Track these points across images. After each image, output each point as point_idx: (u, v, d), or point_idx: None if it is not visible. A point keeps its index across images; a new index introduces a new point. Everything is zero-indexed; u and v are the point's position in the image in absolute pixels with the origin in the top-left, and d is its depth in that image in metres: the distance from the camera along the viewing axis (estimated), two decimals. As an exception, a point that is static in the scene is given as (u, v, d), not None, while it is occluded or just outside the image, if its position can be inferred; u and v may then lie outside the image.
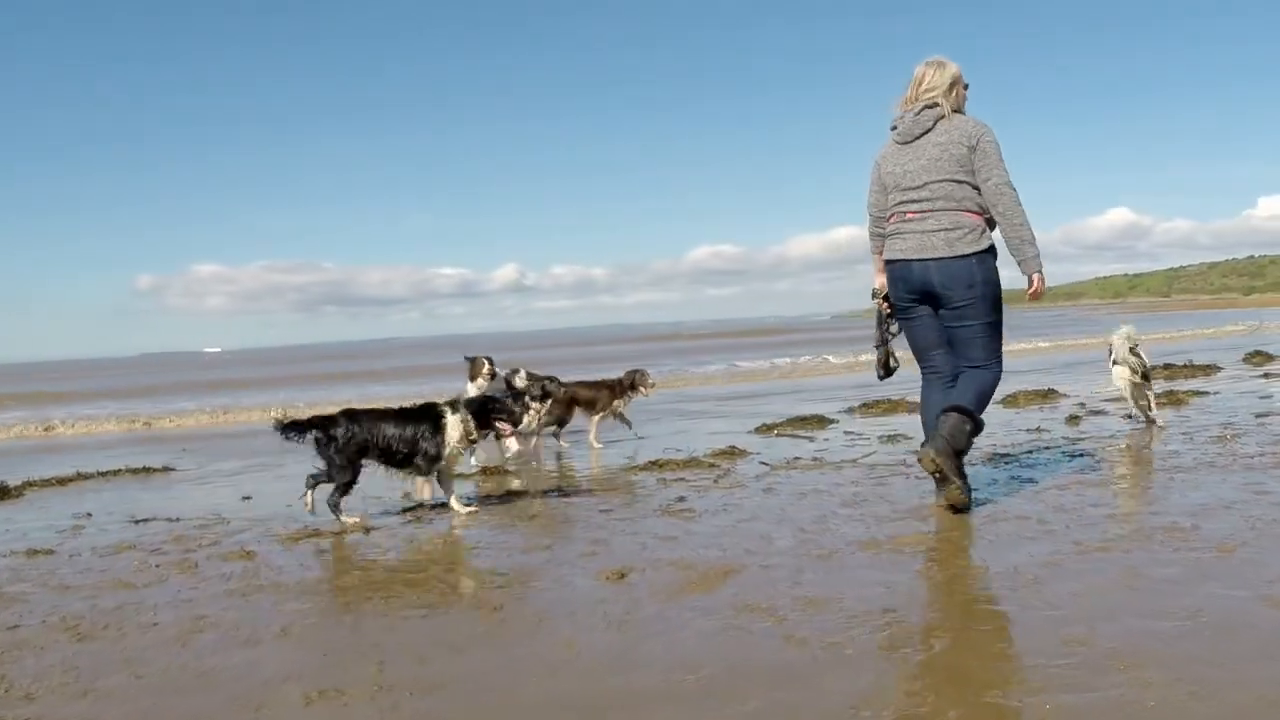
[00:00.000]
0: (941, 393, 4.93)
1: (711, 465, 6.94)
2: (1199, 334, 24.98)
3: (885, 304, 5.15)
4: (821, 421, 9.22)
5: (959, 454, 4.72)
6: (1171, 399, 9.06)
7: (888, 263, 4.95)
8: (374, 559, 4.75)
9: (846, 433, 8.46)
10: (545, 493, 6.36)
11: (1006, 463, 6.40)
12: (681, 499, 5.74)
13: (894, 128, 4.94)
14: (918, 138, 4.80)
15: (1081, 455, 6.48)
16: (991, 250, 4.81)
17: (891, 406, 10.23)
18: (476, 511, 5.70)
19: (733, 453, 7.46)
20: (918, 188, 4.76)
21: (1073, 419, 8.28)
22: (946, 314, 4.83)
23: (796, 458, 7.11)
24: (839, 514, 5.04)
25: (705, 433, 9.23)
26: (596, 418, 8.48)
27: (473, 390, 7.73)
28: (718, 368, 22.37)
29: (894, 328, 5.20)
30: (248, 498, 6.89)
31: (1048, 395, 10.09)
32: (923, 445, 4.80)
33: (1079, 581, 3.64)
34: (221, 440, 12.33)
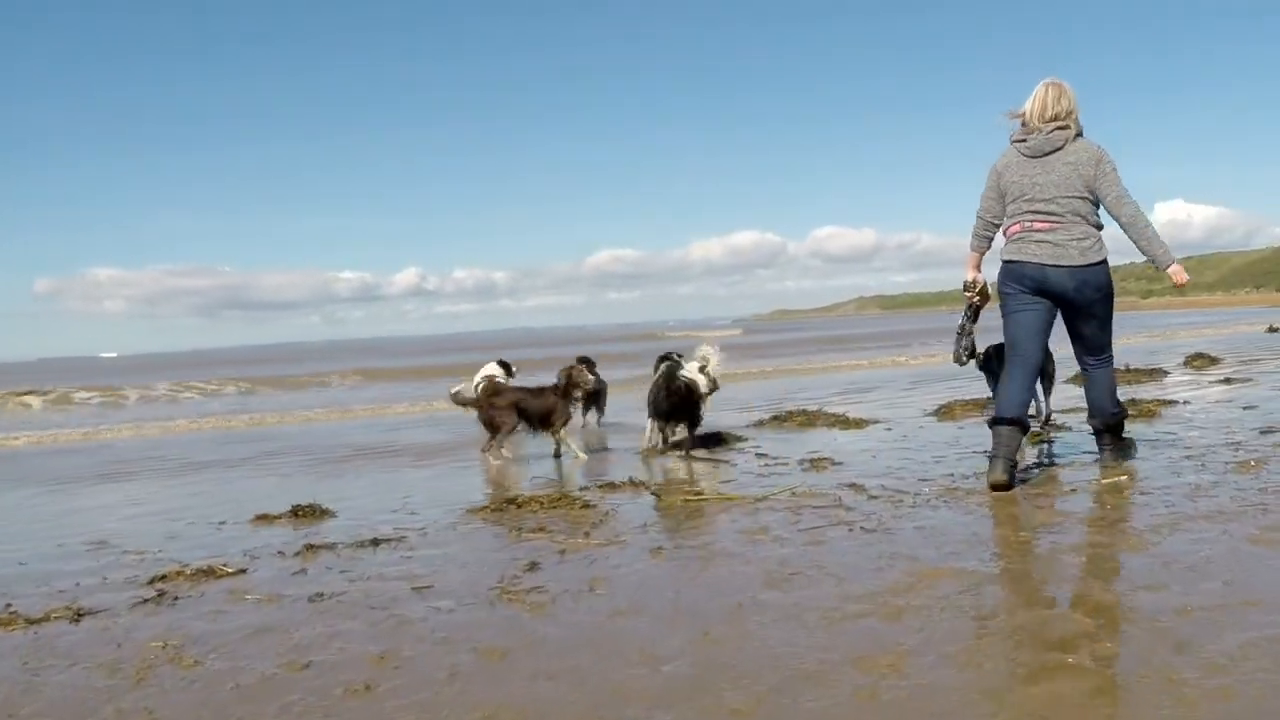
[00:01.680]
0: (1024, 380, 5.21)
1: (585, 506, 5.18)
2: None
3: (975, 297, 5.56)
4: (725, 438, 7.61)
5: (1124, 446, 5.59)
6: (1140, 410, 7.67)
7: (1014, 262, 5.14)
8: (26, 685, 2.89)
9: (759, 454, 6.81)
10: (357, 545, 4.58)
11: (970, 502, 4.78)
12: (533, 566, 3.99)
13: (1021, 140, 5.16)
14: (1048, 154, 5.08)
15: (1075, 492, 4.93)
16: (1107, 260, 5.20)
17: (808, 420, 8.65)
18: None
19: (614, 486, 5.77)
20: (1048, 200, 5.05)
21: (1032, 436, 6.55)
22: (1078, 315, 5.21)
23: (697, 493, 5.44)
24: (762, 602, 3.32)
25: (589, 452, 7.55)
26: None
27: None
28: (620, 373, 20.44)
29: (969, 324, 5.70)
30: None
31: (987, 404, 8.42)
32: (1110, 468, 5.30)
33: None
34: (33, 460, 10.26)
